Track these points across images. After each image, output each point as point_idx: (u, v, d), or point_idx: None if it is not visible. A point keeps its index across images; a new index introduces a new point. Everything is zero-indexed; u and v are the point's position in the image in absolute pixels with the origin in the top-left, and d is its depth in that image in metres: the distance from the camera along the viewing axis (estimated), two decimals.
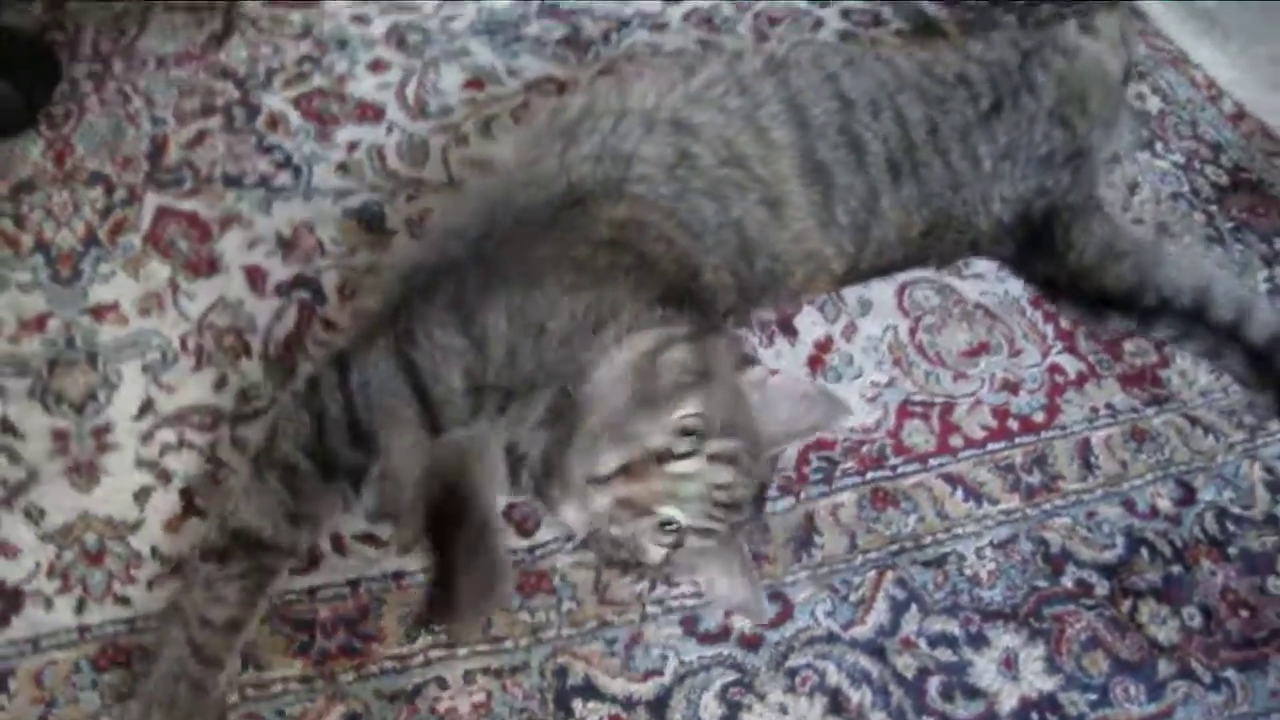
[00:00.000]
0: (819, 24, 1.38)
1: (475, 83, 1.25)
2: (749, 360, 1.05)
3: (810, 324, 1.10)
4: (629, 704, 0.85)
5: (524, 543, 0.92)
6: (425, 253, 0.94)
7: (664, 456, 0.77)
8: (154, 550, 0.88)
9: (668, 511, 0.78)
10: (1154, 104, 1.36)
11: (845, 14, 1.39)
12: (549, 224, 0.90)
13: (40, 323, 0.98)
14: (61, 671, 0.82)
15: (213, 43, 1.23)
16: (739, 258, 0.96)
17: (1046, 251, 1.09)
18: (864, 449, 1.02)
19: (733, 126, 0.99)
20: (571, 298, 0.84)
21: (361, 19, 1.30)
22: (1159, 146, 1.31)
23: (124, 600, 0.85)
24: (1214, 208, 1.26)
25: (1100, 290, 1.08)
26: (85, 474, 0.90)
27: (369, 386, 0.84)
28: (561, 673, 0.86)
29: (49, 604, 0.84)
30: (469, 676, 0.85)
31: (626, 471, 0.77)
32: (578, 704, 0.85)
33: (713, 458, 0.78)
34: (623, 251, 0.89)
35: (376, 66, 1.25)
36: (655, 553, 0.81)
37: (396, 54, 1.27)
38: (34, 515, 0.88)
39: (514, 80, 1.26)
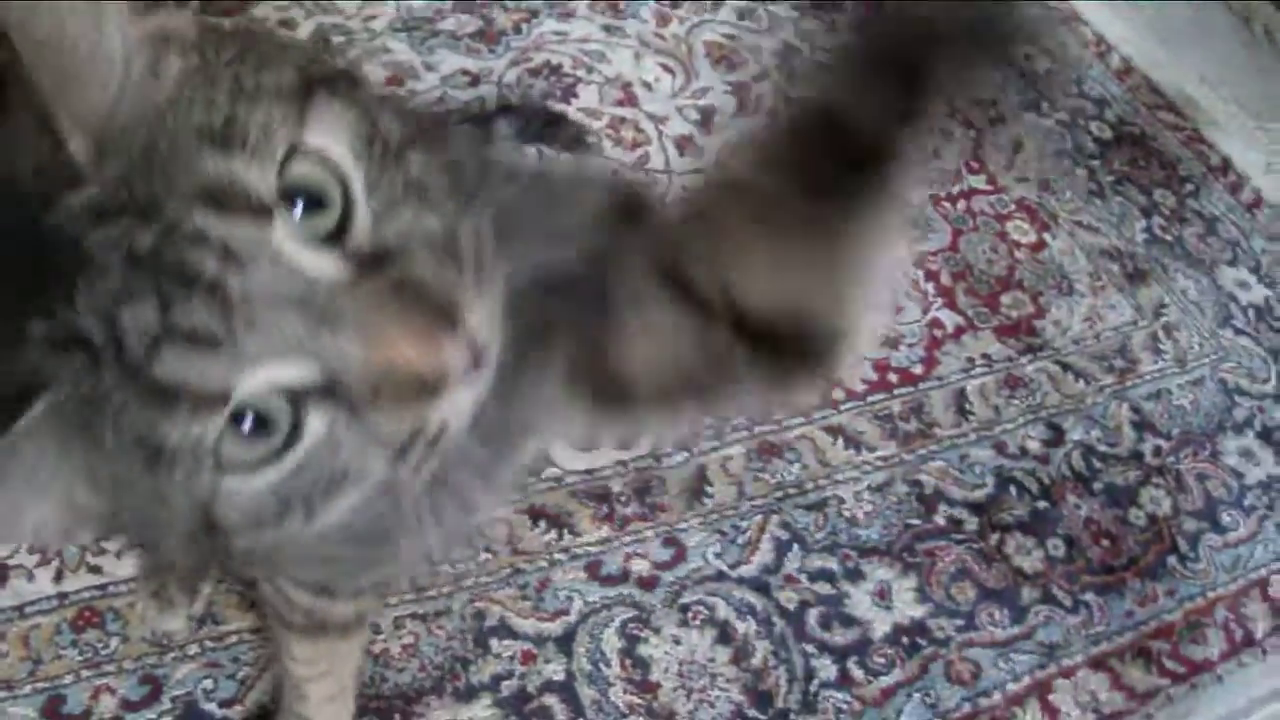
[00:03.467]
0: (719, 2, 1.46)
1: (394, 79, 1.32)
2: None
3: None
4: (539, 640, 0.96)
5: None
6: None
7: None
8: None
9: None
10: (1042, 64, 1.42)
11: None
12: None
13: None
14: (45, 633, 0.92)
15: None
16: None
17: None
18: None
19: None
20: None
21: (288, 23, 1.37)
22: (1044, 106, 1.38)
23: (95, 569, 0.95)
24: (1096, 162, 1.34)
25: None
26: None
27: None
28: (480, 615, 0.97)
29: (31, 576, 0.95)
30: (398, 622, 0.96)
31: None
32: (494, 642, 0.96)
33: None
34: None
35: None
36: None
37: (322, 54, 1.34)
38: None
39: (431, 75, 1.34)
